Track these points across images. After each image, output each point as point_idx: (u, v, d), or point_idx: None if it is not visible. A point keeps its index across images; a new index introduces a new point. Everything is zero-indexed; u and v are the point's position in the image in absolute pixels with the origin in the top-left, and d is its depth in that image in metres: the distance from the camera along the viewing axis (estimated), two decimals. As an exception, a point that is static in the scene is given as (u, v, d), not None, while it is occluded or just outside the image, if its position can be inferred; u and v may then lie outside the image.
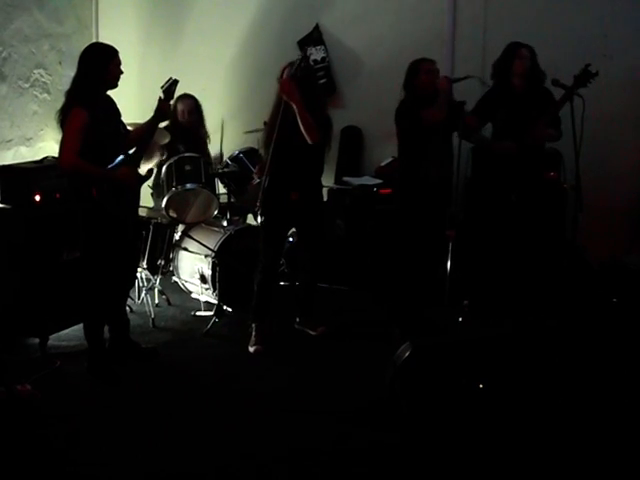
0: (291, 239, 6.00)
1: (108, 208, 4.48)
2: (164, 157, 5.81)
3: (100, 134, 4.42)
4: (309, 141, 4.91)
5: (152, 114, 4.73)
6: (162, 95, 4.72)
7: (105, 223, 4.53)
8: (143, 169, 5.20)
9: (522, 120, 5.21)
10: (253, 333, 5.20)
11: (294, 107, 4.85)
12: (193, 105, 6.25)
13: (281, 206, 5.08)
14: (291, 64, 4.99)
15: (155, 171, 5.90)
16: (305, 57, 4.83)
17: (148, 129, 4.79)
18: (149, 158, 5.50)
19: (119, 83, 4.60)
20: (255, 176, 5.36)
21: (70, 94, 4.49)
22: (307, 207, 5.17)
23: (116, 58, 4.53)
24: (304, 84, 4.90)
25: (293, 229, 5.57)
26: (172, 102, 5.56)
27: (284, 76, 4.91)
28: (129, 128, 4.88)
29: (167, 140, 5.80)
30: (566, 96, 4.94)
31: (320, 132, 4.94)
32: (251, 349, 5.13)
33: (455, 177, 5.15)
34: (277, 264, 5.44)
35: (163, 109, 4.74)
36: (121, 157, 4.47)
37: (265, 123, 5.24)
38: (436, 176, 5.31)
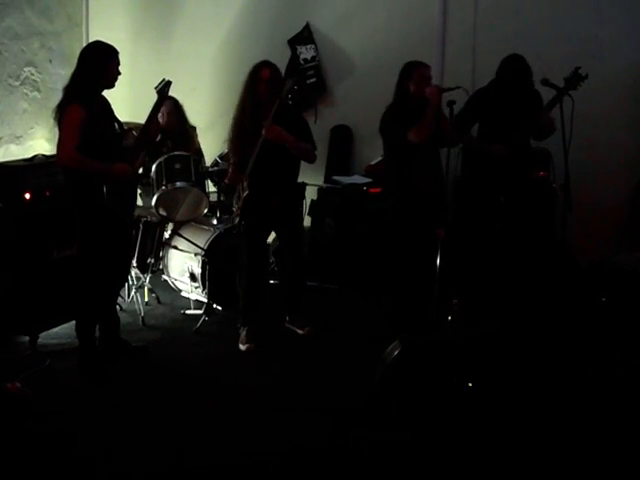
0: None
1: (111, 207, 4.48)
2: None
3: (95, 132, 4.41)
4: (308, 162, 5.12)
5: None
6: (156, 96, 4.73)
7: (104, 222, 4.52)
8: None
9: (510, 122, 5.23)
10: (243, 332, 5.21)
11: (287, 144, 4.92)
12: (172, 106, 6.16)
13: (262, 211, 5.10)
14: (266, 64, 5.06)
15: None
16: (292, 87, 4.85)
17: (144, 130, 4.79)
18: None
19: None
20: (226, 182, 5.40)
21: (68, 90, 4.47)
22: (287, 211, 5.20)
23: (116, 58, 4.53)
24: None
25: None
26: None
27: (267, 120, 4.87)
28: (125, 127, 4.88)
29: (158, 138, 5.79)
30: (556, 98, 4.97)
31: (313, 152, 5.13)
32: (241, 347, 5.14)
33: (445, 175, 5.15)
34: (262, 265, 5.42)
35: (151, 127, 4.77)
36: None
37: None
38: (425, 190, 5.28)
